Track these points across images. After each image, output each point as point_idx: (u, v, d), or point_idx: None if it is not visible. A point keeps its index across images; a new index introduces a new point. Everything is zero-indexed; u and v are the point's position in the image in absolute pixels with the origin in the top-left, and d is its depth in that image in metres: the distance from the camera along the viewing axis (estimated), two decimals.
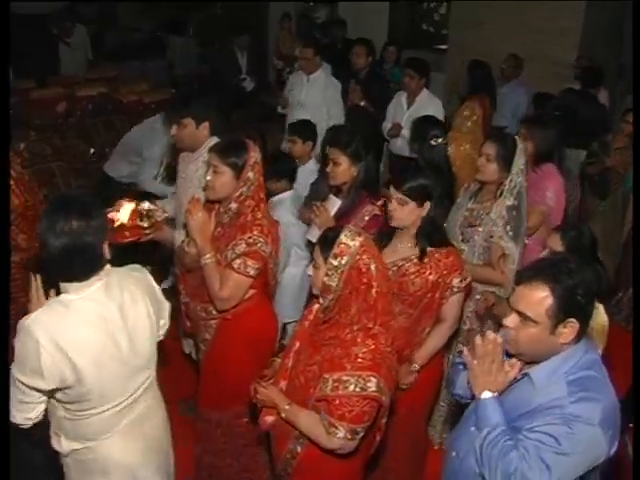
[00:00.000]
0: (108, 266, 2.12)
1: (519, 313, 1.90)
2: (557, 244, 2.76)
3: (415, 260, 2.80)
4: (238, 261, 2.73)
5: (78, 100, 6.82)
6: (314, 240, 2.96)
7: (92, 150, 5.52)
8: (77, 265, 1.98)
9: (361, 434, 2.18)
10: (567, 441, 1.77)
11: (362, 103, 5.71)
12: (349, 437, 2.15)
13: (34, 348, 1.92)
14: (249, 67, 7.41)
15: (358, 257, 2.14)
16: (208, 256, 2.75)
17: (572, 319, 1.85)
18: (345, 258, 2.13)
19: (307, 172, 4.08)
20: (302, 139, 4.22)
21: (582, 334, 1.91)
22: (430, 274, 2.77)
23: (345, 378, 2.14)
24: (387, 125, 5.61)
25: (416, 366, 2.86)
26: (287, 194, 3.80)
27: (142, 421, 2.27)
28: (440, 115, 5.20)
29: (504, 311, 2.77)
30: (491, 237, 3.21)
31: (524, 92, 6.44)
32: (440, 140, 3.89)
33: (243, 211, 2.75)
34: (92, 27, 11.47)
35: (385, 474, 3.14)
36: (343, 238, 2.15)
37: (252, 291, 2.88)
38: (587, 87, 5.95)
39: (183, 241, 2.98)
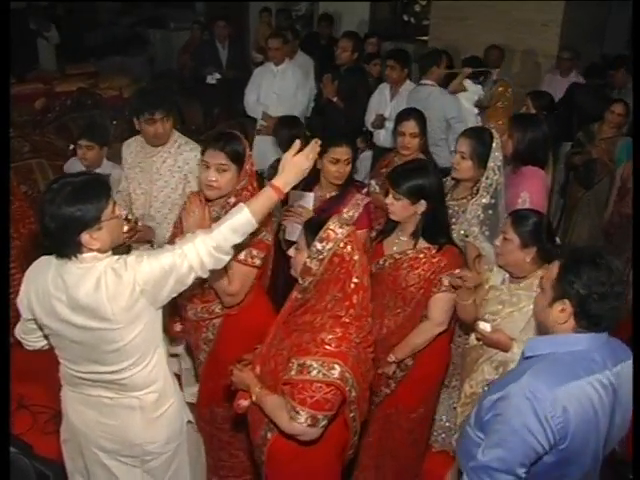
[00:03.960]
0: (99, 255, 2.14)
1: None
2: (511, 233, 2.65)
3: (411, 254, 2.82)
4: (244, 253, 2.65)
5: (57, 96, 6.76)
6: (296, 239, 3.01)
7: (71, 146, 5.43)
8: (50, 244, 2.13)
9: (322, 422, 2.16)
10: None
11: (334, 99, 5.65)
12: (310, 423, 2.13)
13: None
14: (230, 59, 7.39)
15: (343, 245, 2.15)
16: None
17: (565, 300, 1.87)
18: (330, 244, 2.14)
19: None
20: (99, 144, 4.19)
21: (590, 327, 1.88)
22: (423, 270, 2.79)
23: (309, 363, 2.13)
24: (370, 118, 5.58)
25: (392, 357, 2.86)
26: None
27: (96, 406, 2.34)
28: None
29: (463, 297, 2.76)
30: (466, 237, 3.12)
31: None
32: None
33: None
34: (71, 23, 11.41)
35: (380, 470, 3.14)
36: (331, 225, 2.17)
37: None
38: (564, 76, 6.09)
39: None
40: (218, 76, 7.17)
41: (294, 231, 3.19)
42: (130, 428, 2.35)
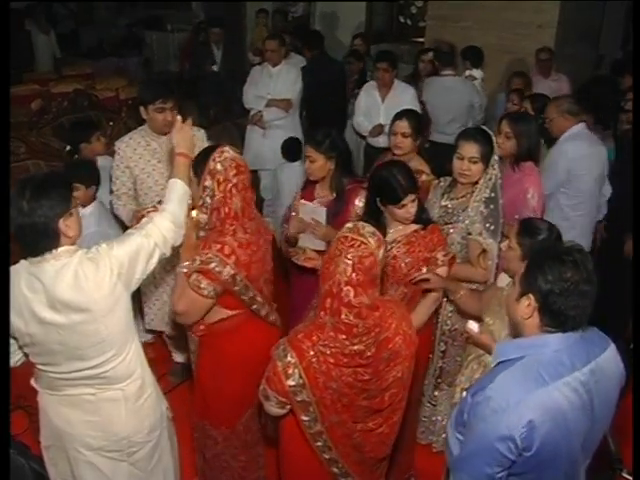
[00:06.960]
0: (71, 247, 2.21)
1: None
2: (514, 243, 2.63)
3: (404, 241, 2.92)
4: (194, 276, 2.54)
5: (53, 97, 6.75)
6: (321, 248, 3.24)
7: (67, 147, 5.43)
8: (27, 241, 2.15)
9: (272, 399, 2.24)
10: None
11: None
12: (263, 394, 2.28)
13: None
14: (223, 60, 7.48)
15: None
16: (183, 264, 2.59)
17: (530, 295, 1.87)
18: None
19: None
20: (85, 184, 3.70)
21: (554, 325, 1.87)
22: (420, 251, 2.90)
23: (280, 343, 2.26)
24: (358, 120, 5.68)
25: None
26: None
27: (79, 405, 2.38)
28: (415, 103, 5.27)
29: (451, 293, 2.93)
30: (469, 234, 3.14)
31: None
32: None
33: (212, 224, 2.61)
34: (69, 23, 11.41)
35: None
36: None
37: (231, 312, 2.70)
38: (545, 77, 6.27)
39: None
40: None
41: (310, 239, 3.34)
42: (115, 421, 2.40)
